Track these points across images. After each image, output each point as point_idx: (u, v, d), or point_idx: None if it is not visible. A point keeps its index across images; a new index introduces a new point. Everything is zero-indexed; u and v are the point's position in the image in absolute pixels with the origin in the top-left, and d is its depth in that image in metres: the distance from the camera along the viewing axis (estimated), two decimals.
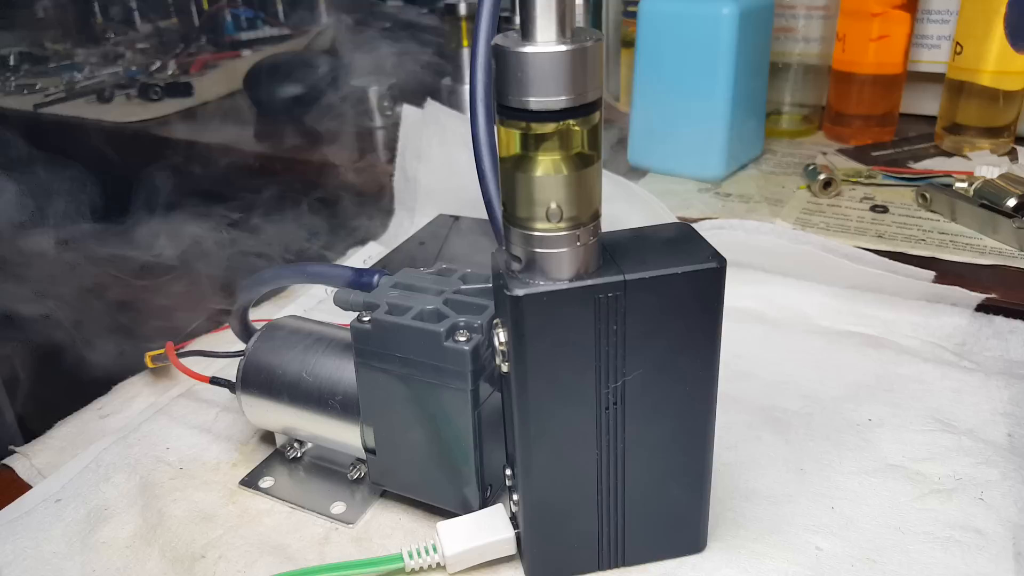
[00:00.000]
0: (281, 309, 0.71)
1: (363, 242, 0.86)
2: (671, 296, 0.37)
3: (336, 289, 0.49)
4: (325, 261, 0.81)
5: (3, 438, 0.58)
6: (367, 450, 0.47)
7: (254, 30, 1.55)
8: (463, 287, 0.45)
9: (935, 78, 0.96)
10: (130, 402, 0.60)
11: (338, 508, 0.49)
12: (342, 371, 0.48)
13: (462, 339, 0.42)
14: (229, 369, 0.54)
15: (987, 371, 0.59)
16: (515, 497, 0.42)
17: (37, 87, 1.34)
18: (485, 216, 0.42)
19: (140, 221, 0.78)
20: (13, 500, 0.51)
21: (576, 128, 0.34)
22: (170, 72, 1.39)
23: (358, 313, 0.44)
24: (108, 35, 1.59)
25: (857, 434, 0.53)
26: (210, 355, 0.56)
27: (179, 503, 0.50)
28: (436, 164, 0.88)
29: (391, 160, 0.93)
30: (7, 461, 0.55)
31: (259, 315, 0.60)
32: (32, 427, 0.59)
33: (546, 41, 0.32)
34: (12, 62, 1.44)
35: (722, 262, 0.37)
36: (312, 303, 0.72)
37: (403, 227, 0.88)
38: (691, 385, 0.39)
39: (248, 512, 0.49)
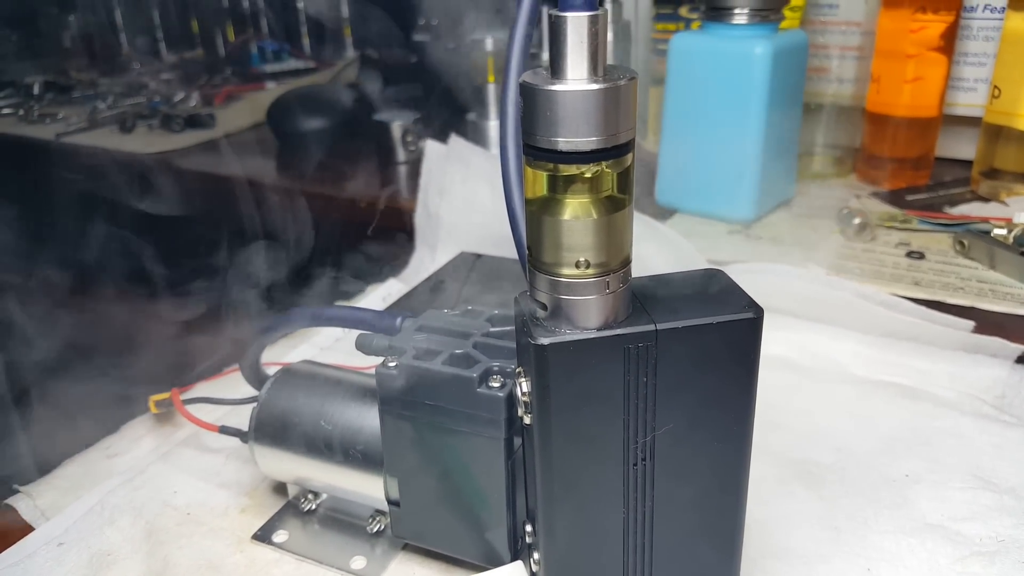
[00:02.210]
0: (294, 348, 0.69)
1: (383, 279, 0.84)
2: (705, 347, 0.35)
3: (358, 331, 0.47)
4: (344, 298, 0.80)
5: (17, 473, 0.56)
6: (391, 502, 0.45)
7: (280, 62, 1.55)
8: (492, 330, 0.44)
9: (972, 121, 0.94)
10: (138, 442, 0.59)
11: (358, 563, 0.47)
12: (363, 419, 0.46)
13: (496, 385, 0.40)
14: (234, 415, 0.52)
15: None
16: (536, 556, 0.40)
17: (60, 116, 1.34)
18: (508, 255, 0.40)
19: (151, 256, 0.77)
20: (15, 542, 0.49)
21: (607, 170, 0.32)
22: (193, 103, 1.39)
23: (383, 358, 0.43)
24: (133, 65, 1.59)
25: (894, 490, 0.51)
26: (217, 402, 0.55)
27: (185, 551, 0.48)
28: (459, 201, 0.86)
29: (413, 195, 0.92)
30: (10, 501, 0.54)
31: (270, 356, 0.58)
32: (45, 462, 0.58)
33: (577, 79, 0.30)
34: (36, 91, 1.45)
35: (759, 312, 0.35)
36: (328, 342, 0.71)
37: (424, 264, 0.87)
38: (724, 441, 0.37)
39: (256, 563, 0.47)
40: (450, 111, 1.13)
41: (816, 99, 0.97)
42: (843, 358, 0.65)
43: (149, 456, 0.57)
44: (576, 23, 0.29)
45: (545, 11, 0.31)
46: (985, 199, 0.88)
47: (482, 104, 1.09)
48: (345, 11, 1.49)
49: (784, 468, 0.53)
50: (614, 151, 0.31)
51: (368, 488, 0.46)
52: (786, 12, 0.85)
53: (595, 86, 0.30)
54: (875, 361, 0.64)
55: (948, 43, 0.89)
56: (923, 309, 0.67)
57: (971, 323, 0.65)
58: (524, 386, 0.36)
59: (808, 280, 0.71)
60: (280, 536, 0.49)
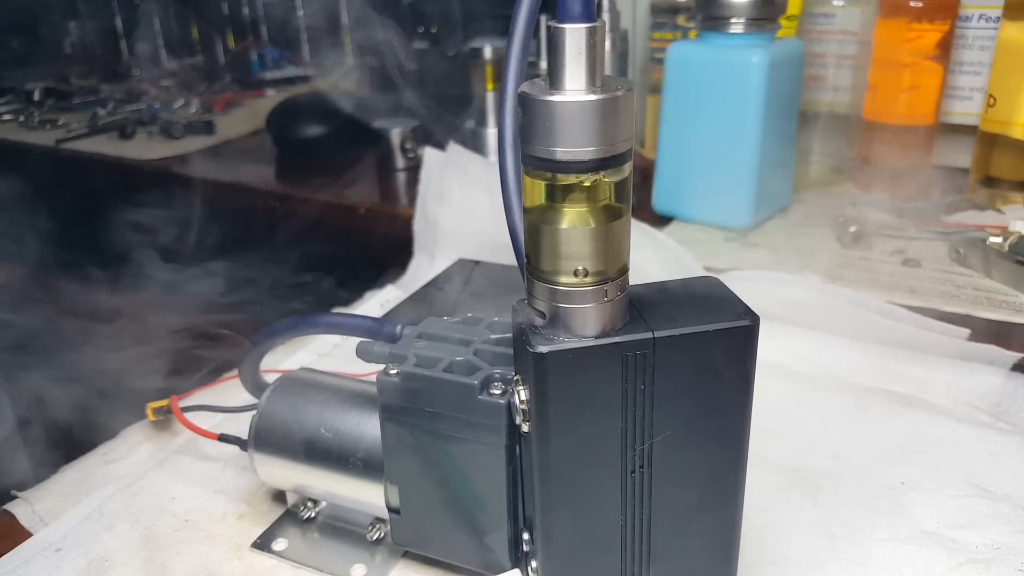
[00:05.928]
0: (291, 355, 0.69)
1: (381, 285, 0.84)
2: (702, 354, 0.35)
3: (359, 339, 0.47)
4: (342, 305, 0.80)
5: (15, 480, 0.56)
6: (391, 509, 0.45)
7: (279, 70, 1.55)
8: (492, 337, 0.44)
9: (967, 130, 0.94)
10: (136, 448, 0.59)
11: (358, 571, 0.47)
12: (364, 426, 0.46)
13: (497, 392, 0.40)
14: (231, 422, 0.52)
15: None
16: (533, 564, 0.40)
17: (60, 122, 1.34)
18: (505, 261, 0.40)
19: (148, 262, 0.77)
20: (13, 548, 0.49)
21: (605, 180, 0.32)
22: (193, 110, 1.39)
23: (384, 366, 0.43)
24: (134, 72, 1.59)
25: (889, 498, 0.51)
26: (216, 410, 0.55)
27: (183, 557, 0.48)
28: (457, 207, 0.86)
29: (411, 202, 0.92)
30: (8, 507, 0.54)
31: (268, 363, 0.58)
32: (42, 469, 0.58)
33: (575, 90, 0.30)
34: (37, 97, 1.45)
35: (755, 319, 0.35)
36: (326, 348, 0.70)
37: (422, 270, 0.87)
38: (721, 448, 0.37)
39: (254, 569, 0.47)
40: (449, 119, 1.13)
41: (813, 108, 0.98)
42: (839, 366, 0.65)
43: (147, 462, 0.57)
44: (574, 34, 0.30)
45: (544, 21, 0.31)
46: (981, 207, 0.88)
47: (481, 112, 1.09)
48: (345, 18, 1.50)
49: (781, 475, 0.53)
50: (612, 161, 0.31)
51: (368, 495, 0.46)
52: (782, 21, 0.85)
53: (593, 97, 0.30)
54: (871, 369, 0.64)
55: (944, 52, 0.89)
56: (919, 317, 0.67)
57: (967, 331, 0.65)
58: (522, 394, 0.36)
59: (804, 288, 0.71)
60: (280, 544, 0.49)
